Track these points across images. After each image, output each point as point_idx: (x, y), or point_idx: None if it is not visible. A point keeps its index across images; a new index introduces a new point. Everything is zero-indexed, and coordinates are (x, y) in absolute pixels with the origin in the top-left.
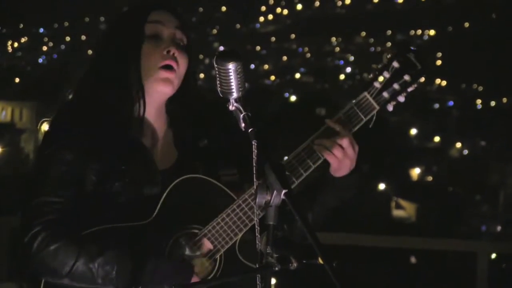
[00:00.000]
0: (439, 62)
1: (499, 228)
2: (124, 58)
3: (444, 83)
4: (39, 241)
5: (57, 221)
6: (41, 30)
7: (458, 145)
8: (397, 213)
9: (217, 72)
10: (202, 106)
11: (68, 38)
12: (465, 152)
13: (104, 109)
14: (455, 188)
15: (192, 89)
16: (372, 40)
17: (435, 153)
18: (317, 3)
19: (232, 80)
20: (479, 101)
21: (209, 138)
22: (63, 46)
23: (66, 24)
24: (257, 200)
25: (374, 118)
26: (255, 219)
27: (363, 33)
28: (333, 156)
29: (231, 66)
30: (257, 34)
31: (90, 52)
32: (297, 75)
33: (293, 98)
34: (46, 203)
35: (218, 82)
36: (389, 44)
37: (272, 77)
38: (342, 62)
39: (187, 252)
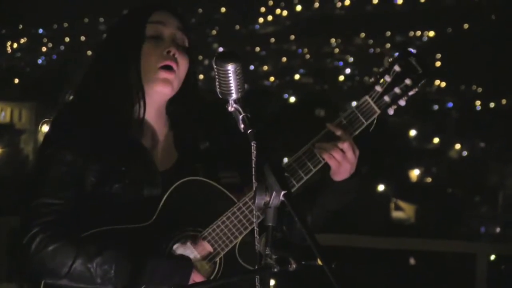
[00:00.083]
0: (438, 64)
1: (498, 229)
2: (124, 57)
3: (443, 84)
4: (38, 242)
5: (55, 222)
6: (41, 30)
7: (458, 146)
8: (396, 214)
9: (216, 73)
10: (202, 107)
11: (67, 39)
12: (464, 153)
13: (104, 109)
14: (454, 189)
15: (192, 90)
16: (371, 41)
17: (434, 154)
18: (316, 4)
19: (231, 81)
20: (478, 103)
21: (210, 140)
22: (62, 47)
23: (66, 25)
24: (256, 201)
25: (375, 122)
26: (255, 221)
27: (363, 34)
28: (333, 160)
29: (230, 67)
30: (257, 35)
31: (89, 52)
32: (297, 76)
33: (292, 99)
34: (45, 204)
35: (217, 83)
36: (388, 45)
37: (272, 78)
38: (341, 63)
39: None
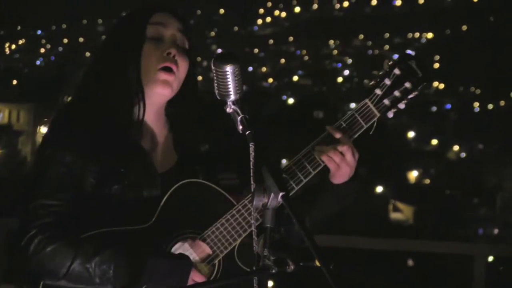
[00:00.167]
0: (437, 65)
1: (496, 231)
2: (124, 58)
3: (442, 86)
4: (36, 243)
5: (54, 224)
6: (39, 32)
7: (456, 148)
8: (394, 215)
9: (214, 74)
10: (202, 109)
11: (65, 40)
12: (463, 155)
13: (103, 110)
14: (452, 191)
15: (192, 92)
16: (370, 43)
17: (432, 156)
18: (315, 6)
19: (229, 83)
20: (476, 104)
21: (209, 141)
22: (60, 48)
23: (64, 26)
24: (254, 202)
25: (375, 125)
26: (253, 222)
27: (361, 36)
28: (333, 163)
29: (229, 69)
30: (255, 37)
31: (88, 54)
32: (295, 78)
33: (291, 100)
34: (43, 205)
35: (215, 84)
36: (387, 47)
37: (270, 80)
38: (340, 64)
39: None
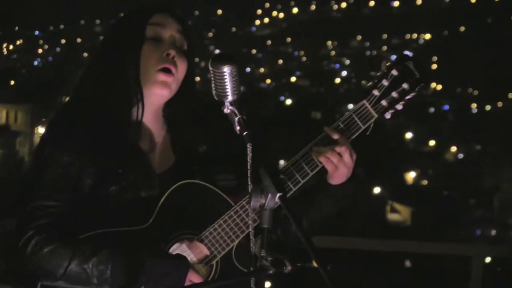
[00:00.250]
0: (434, 66)
1: (494, 232)
2: (123, 58)
3: (439, 87)
4: (33, 244)
5: (51, 225)
6: (36, 32)
7: (454, 149)
8: (392, 216)
9: (212, 75)
10: (200, 110)
11: (63, 41)
12: (460, 156)
13: (101, 111)
14: (450, 192)
15: (190, 93)
16: (368, 44)
17: (430, 157)
18: (313, 7)
19: (227, 83)
20: (474, 105)
21: (207, 142)
22: (58, 49)
23: (62, 26)
24: (251, 203)
25: (372, 126)
26: (250, 223)
27: (359, 37)
28: (330, 164)
29: (226, 69)
30: (253, 38)
31: (85, 54)
32: (293, 79)
33: (288, 101)
34: (41, 206)
35: (213, 85)
36: (385, 48)
37: (268, 81)
38: (337, 65)
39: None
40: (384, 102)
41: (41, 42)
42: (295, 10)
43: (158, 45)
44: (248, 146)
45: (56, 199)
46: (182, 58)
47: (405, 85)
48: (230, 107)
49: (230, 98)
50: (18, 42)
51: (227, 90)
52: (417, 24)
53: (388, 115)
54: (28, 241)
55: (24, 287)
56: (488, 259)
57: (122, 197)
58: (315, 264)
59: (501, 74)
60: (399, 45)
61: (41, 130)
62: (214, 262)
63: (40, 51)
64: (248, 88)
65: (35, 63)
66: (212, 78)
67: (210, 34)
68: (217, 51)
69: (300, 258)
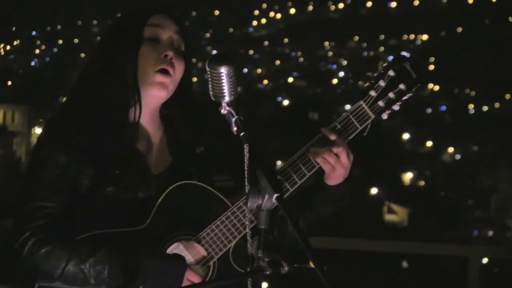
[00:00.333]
0: (431, 67)
1: (491, 233)
2: (122, 59)
3: (437, 88)
4: (30, 245)
5: (48, 226)
6: (34, 33)
7: (451, 150)
8: (389, 217)
9: (209, 75)
10: (197, 110)
11: (60, 41)
12: (458, 157)
13: (99, 112)
14: (447, 192)
15: (187, 94)
16: (365, 44)
17: (427, 157)
18: (310, 8)
19: (224, 84)
20: (471, 106)
21: (204, 143)
22: (55, 49)
23: (59, 27)
24: (248, 204)
25: (369, 126)
26: (247, 224)
27: (356, 38)
28: (328, 164)
29: (223, 70)
30: (250, 38)
31: (83, 55)
32: (290, 79)
33: (286, 102)
34: (38, 207)
35: (210, 85)
36: (382, 48)
37: (265, 81)
38: (335, 66)
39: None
40: (381, 103)
41: (38, 42)
42: (292, 10)
43: (156, 46)
44: (245, 147)
45: (53, 200)
46: (180, 59)
47: (402, 86)
48: (227, 108)
49: (227, 98)
50: (15, 43)
51: (224, 90)
52: (414, 25)
53: (385, 116)
54: (25, 242)
55: (21, 287)
56: (485, 260)
57: (120, 198)
58: (312, 265)
59: (499, 75)
60: (397, 46)
61: (38, 130)
62: (211, 263)
63: (37, 51)
64: (245, 88)
65: (33, 63)
66: (209, 79)
67: (207, 35)
68: (214, 52)
69: (297, 258)
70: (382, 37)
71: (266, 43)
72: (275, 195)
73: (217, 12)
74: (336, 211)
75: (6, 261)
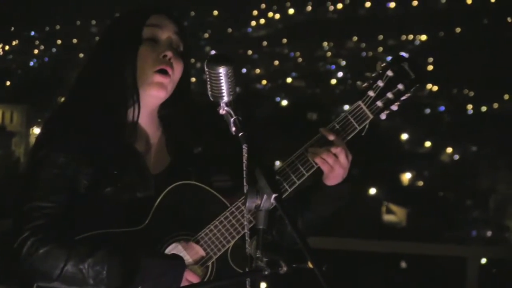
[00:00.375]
0: (430, 67)
1: (489, 233)
2: (121, 59)
3: (435, 88)
4: (28, 246)
5: (47, 226)
6: (32, 33)
7: (449, 150)
8: (387, 217)
9: (208, 76)
10: (195, 111)
11: (59, 41)
12: (456, 157)
13: (98, 112)
14: (446, 193)
15: (185, 94)
16: (364, 45)
17: (426, 158)
18: (309, 8)
19: (222, 84)
20: (470, 106)
21: (202, 143)
22: (54, 49)
23: (58, 27)
24: (247, 204)
25: (367, 126)
26: (246, 224)
27: (355, 38)
28: (326, 164)
29: (222, 70)
30: (249, 38)
31: (81, 55)
32: (289, 80)
33: (284, 102)
34: (36, 208)
35: (209, 86)
36: (380, 49)
37: (264, 81)
38: (333, 66)
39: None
40: (379, 103)
41: (37, 42)
42: (291, 11)
43: (154, 47)
44: (243, 147)
45: (52, 200)
46: (179, 59)
47: (400, 86)
48: (225, 108)
49: (225, 99)
50: (14, 43)
51: (223, 91)
52: (413, 25)
53: (383, 116)
54: (24, 242)
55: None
56: (483, 260)
57: (118, 198)
58: (310, 265)
59: (497, 75)
60: (395, 46)
61: (36, 130)
62: (210, 263)
63: (36, 51)
64: (243, 89)
65: (31, 63)
66: (208, 79)
67: (206, 35)
68: (213, 52)
69: (296, 259)
70: (381, 37)
71: (264, 43)
72: (273, 195)
73: (215, 13)
74: (335, 211)
75: (5, 261)
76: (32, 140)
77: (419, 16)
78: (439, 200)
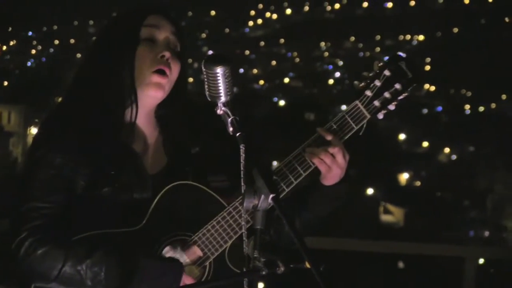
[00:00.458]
0: (428, 67)
1: (487, 233)
2: (118, 59)
3: (433, 88)
4: (26, 246)
5: (45, 226)
6: (30, 33)
7: (447, 150)
8: (385, 218)
9: (205, 76)
10: (192, 111)
11: (57, 41)
12: (454, 157)
13: (95, 112)
14: (443, 193)
15: (182, 95)
16: (361, 45)
17: (423, 158)
18: (306, 8)
19: (220, 84)
20: (467, 107)
21: (200, 143)
22: (51, 50)
23: (55, 27)
24: (244, 204)
25: (365, 126)
26: (243, 224)
27: (352, 38)
28: (323, 164)
29: (219, 70)
30: (246, 39)
31: (79, 55)
32: (286, 80)
33: (282, 102)
34: (34, 208)
35: (206, 86)
36: (378, 49)
37: (261, 82)
38: (331, 67)
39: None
40: (376, 103)
41: (34, 42)
42: (288, 11)
43: (152, 47)
44: (241, 147)
45: (49, 200)
46: (176, 59)
47: (397, 86)
48: (223, 108)
49: (223, 99)
50: (11, 43)
51: (220, 91)
52: (410, 26)
53: (380, 116)
54: (22, 242)
55: None
56: (481, 261)
57: (115, 198)
58: (308, 265)
59: (495, 76)
60: (393, 46)
61: (34, 130)
62: (207, 263)
63: (33, 51)
64: (241, 89)
65: (29, 63)
66: (205, 79)
67: (203, 35)
68: (210, 52)
69: (293, 259)
70: (378, 37)
71: (262, 43)
72: (271, 195)
73: (213, 13)
74: (332, 211)
75: (3, 261)
76: (30, 140)
77: (417, 16)
78: (436, 200)
